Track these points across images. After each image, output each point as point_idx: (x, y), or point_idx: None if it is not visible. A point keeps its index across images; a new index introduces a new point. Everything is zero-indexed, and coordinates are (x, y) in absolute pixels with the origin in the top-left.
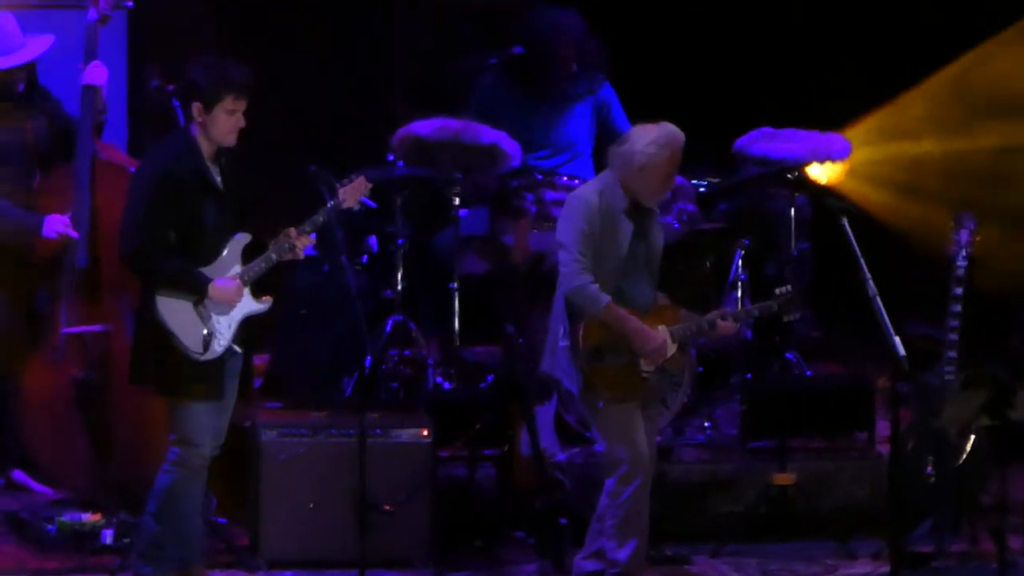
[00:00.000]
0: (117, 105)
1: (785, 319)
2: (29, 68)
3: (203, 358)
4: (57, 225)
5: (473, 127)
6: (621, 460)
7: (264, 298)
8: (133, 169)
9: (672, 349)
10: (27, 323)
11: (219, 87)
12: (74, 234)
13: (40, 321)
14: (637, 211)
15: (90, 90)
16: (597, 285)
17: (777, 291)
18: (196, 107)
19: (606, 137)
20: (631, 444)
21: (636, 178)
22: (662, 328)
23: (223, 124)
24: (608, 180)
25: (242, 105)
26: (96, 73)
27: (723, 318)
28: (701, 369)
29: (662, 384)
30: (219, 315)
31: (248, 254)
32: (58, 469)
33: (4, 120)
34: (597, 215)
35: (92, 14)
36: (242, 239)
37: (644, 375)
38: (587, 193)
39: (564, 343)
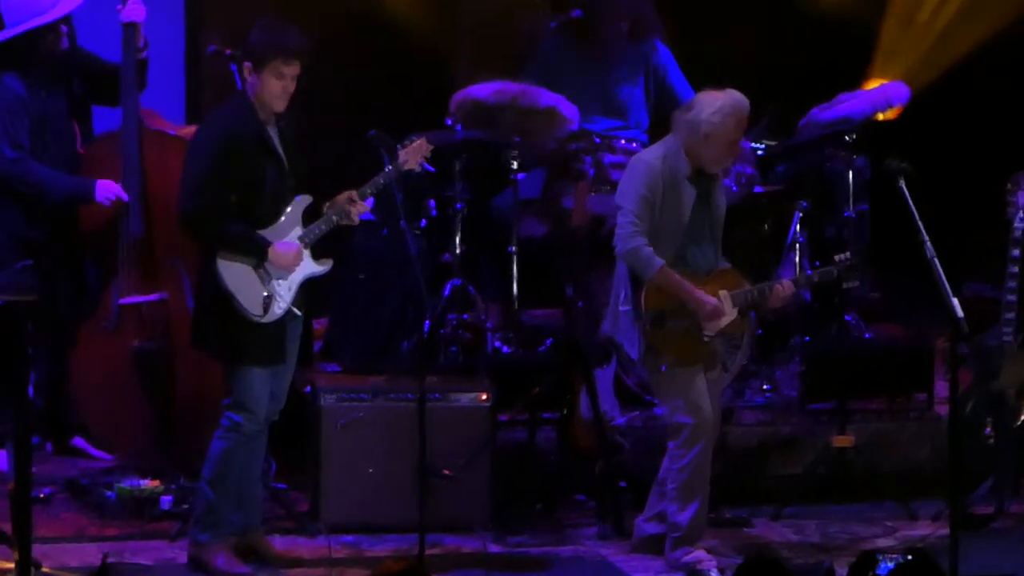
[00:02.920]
0: (175, 71)
1: (845, 286)
2: (69, 25)
3: (263, 320)
4: (109, 190)
5: (532, 90)
6: (684, 424)
7: (324, 260)
8: (174, 132)
9: (733, 314)
10: (76, 293)
11: (268, 49)
12: (126, 197)
13: (88, 292)
14: (700, 177)
15: (130, 27)
16: (651, 248)
17: (837, 257)
18: (247, 67)
19: (665, 100)
20: (694, 407)
21: (702, 145)
22: (723, 293)
23: (271, 87)
24: (672, 145)
25: (292, 70)
26: (135, 10)
27: (782, 284)
28: (760, 331)
29: (723, 348)
30: (279, 278)
31: (309, 217)
32: (117, 437)
33: (49, 84)
34: (659, 180)
35: None
36: (303, 201)
37: (706, 339)
38: (650, 157)
39: (625, 307)
